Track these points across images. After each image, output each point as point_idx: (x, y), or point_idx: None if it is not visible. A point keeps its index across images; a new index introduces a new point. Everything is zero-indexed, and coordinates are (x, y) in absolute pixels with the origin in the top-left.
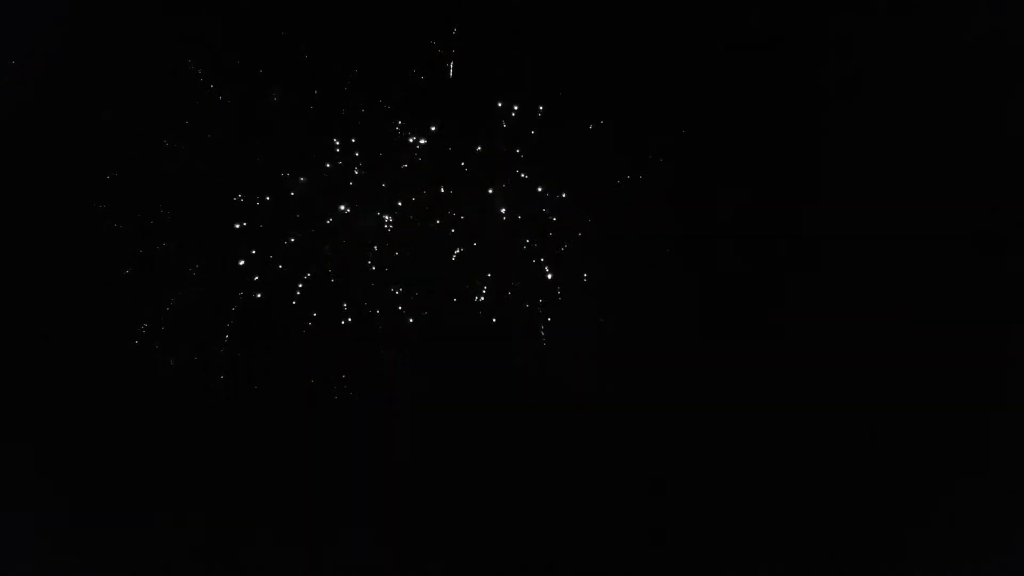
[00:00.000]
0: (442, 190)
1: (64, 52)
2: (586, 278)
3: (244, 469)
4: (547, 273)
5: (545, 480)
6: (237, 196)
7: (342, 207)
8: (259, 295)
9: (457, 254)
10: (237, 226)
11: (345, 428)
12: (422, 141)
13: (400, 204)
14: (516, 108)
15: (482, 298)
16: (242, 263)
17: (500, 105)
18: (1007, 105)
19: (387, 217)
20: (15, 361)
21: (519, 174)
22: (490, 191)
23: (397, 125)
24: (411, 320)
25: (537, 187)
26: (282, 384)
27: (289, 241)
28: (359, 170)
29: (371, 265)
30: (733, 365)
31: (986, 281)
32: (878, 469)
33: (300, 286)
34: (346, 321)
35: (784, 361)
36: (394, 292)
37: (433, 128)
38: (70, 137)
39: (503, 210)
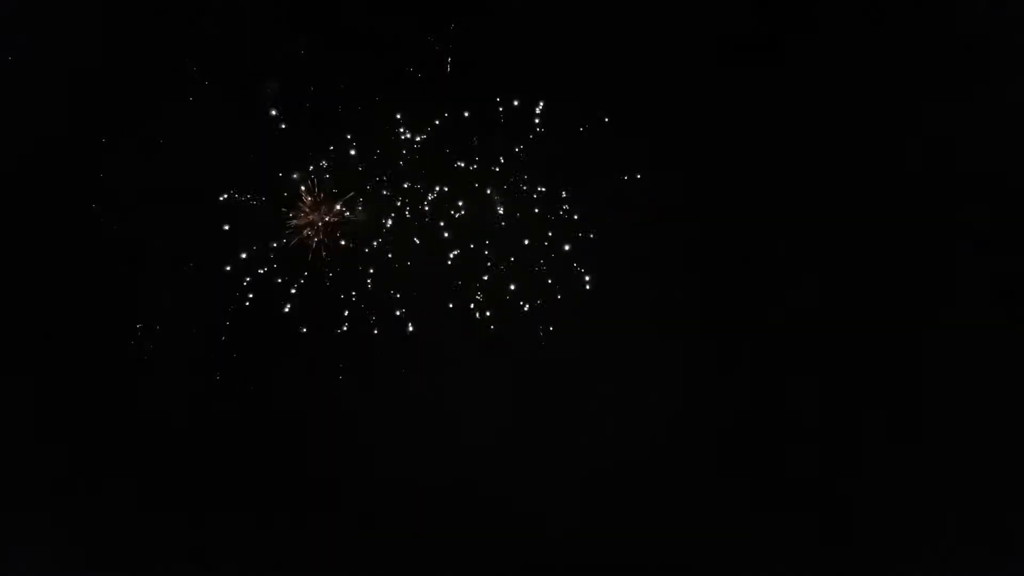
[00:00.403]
0: (439, 189)
1: (61, 50)
2: (587, 280)
3: (242, 468)
4: (546, 274)
5: (545, 480)
6: (233, 195)
7: (339, 206)
8: (255, 295)
9: (454, 255)
10: (233, 226)
11: (343, 428)
12: (419, 138)
13: (398, 203)
14: (516, 103)
15: (481, 297)
16: (240, 260)
17: (499, 100)
18: (1007, 104)
19: (387, 220)
20: (14, 360)
21: (519, 173)
22: (488, 191)
23: (395, 122)
24: (409, 320)
25: (537, 187)
26: (279, 383)
27: (286, 240)
28: (356, 168)
29: (368, 265)
30: (733, 363)
31: (986, 281)
32: (878, 470)
33: (294, 289)
34: (343, 321)
35: (785, 360)
36: (393, 293)
37: (433, 124)
38: (66, 138)
39: (501, 210)
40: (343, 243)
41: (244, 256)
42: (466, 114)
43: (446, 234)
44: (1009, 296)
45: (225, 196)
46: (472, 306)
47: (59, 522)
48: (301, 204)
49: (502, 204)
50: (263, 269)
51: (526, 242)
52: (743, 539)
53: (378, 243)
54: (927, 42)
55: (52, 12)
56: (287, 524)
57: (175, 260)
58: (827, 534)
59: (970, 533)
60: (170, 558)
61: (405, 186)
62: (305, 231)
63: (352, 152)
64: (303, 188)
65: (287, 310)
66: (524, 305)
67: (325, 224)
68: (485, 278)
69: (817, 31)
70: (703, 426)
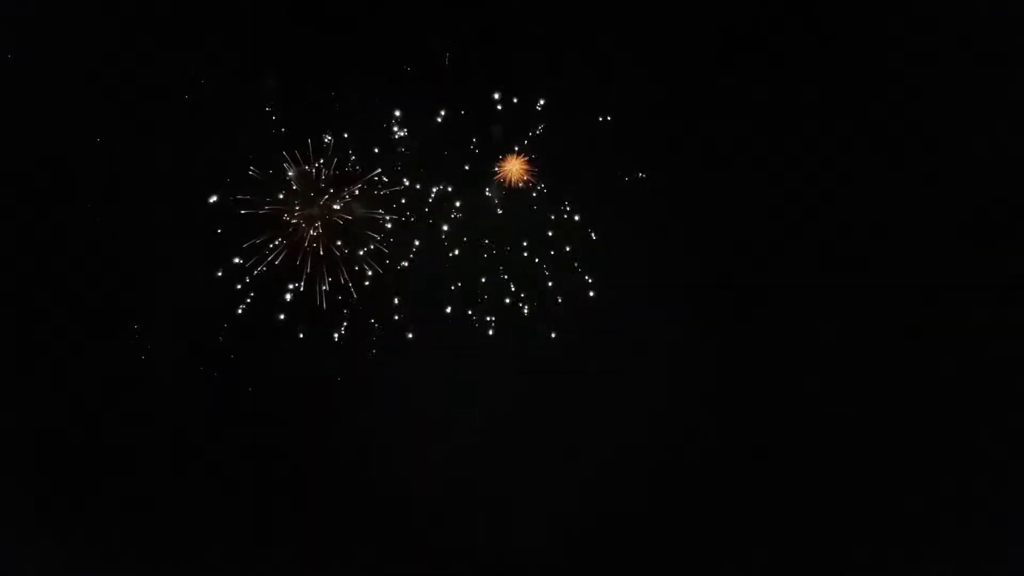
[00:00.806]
0: (437, 189)
1: (56, 48)
2: (589, 281)
3: (240, 468)
4: (547, 275)
5: (546, 481)
6: (228, 195)
7: (336, 206)
8: (254, 298)
9: (452, 256)
10: (230, 227)
11: (340, 428)
12: (416, 136)
13: (395, 204)
14: (515, 100)
15: (485, 296)
16: (238, 262)
17: (498, 98)
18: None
19: (385, 220)
20: (13, 360)
21: (519, 174)
22: (488, 191)
23: (392, 120)
24: (408, 322)
25: (538, 186)
26: (277, 384)
27: (283, 241)
28: (353, 166)
29: (367, 265)
30: (734, 364)
31: (987, 282)
32: (877, 470)
33: (289, 295)
34: (342, 321)
35: (786, 360)
36: (392, 294)
37: (432, 122)
38: (62, 136)
39: (500, 210)
40: (340, 243)
41: (239, 261)
42: (463, 112)
43: (444, 236)
44: (1008, 298)
45: (216, 198)
46: (470, 312)
47: (58, 522)
48: (299, 202)
49: (501, 204)
50: (260, 269)
51: (525, 243)
52: (742, 539)
53: (374, 245)
54: (927, 42)
55: (50, 12)
56: (286, 524)
57: (173, 261)
58: (825, 534)
59: (969, 533)
60: (168, 558)
61: (404, 182)
62: (302, 230)
63: (350, 151)
64: (300, 186)
65: (286, 311)
66: (523, 308)
67: (323, 222)
68: (484, 280)
69: (817, 31)
70: (702, 426)
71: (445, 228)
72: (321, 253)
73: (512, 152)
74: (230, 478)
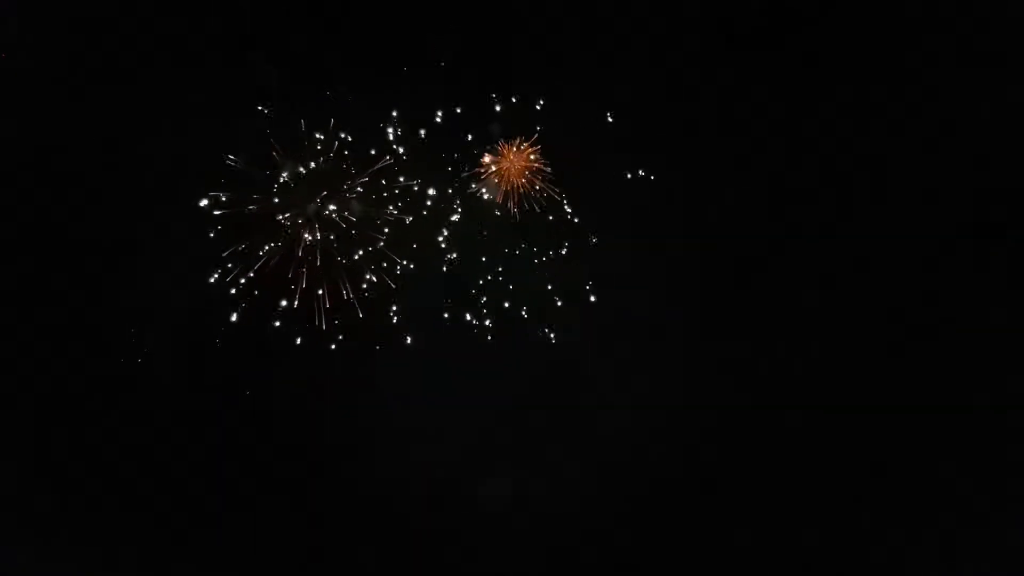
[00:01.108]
0: (433, 191)
1: (53, 47)
2: (590, 283)
3: (238, 470)
4: (546, 276)
5: (545, 481)
6: (228, 194)
7: (333, 206)
8: (251, 298)
9: (450, 259)
10: (230, 227)
11: (341, 428)
12: (414, 135)
13: (392, 208)
14: (514, 100)
15: (485, 298)
16: (235, 266)
17: (495, 97)
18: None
19: (382, 221)
20: (12, 360)
21: (520, 173)
22: (486, 195)
23: (390, 119)
24: (407, 323)
25: (536, 186)
26: (276, 384)
27: (280, 243)
28: (350, 166)
29: (364, 270)
30: (733, 365)
31: (986, 279)
32: (877, 471)
33: (289, 300)
34: (340, 323)
35: (785, 361)
36: (391, 297)
37: (429, 122)
38: (61, 139)
39: (498, 212)
40: (336, 245)
41: (237, 264)
42: (459, 111)
43: (443, 237)
44: (1009, 298)
45: (207, 201)
46: (469, 316)
47: (57, 522)
48: (295, 201)
49: (500, 206)
50: (257, 271)
51: (523, 245)
52: (743, 539)
53: (372, 247)
54: (927, 43)
55: (47, 11)
56: (286, 524)
57: (173, 261)
58: (822, 535)
59: (969, 533)
60: (168, 558)
61: (401, 180)
62: (299, 232)
63: (346, 152)
64: (296, 185)
65: (284, 311)
66: (523, 310)
67: (320, 223)
68: (481, 282)
69: (817, 32)
70: (703, 426)
71: (444, 230)
72: (318, 263)
73: (511, 149)
74: (230, 478)
